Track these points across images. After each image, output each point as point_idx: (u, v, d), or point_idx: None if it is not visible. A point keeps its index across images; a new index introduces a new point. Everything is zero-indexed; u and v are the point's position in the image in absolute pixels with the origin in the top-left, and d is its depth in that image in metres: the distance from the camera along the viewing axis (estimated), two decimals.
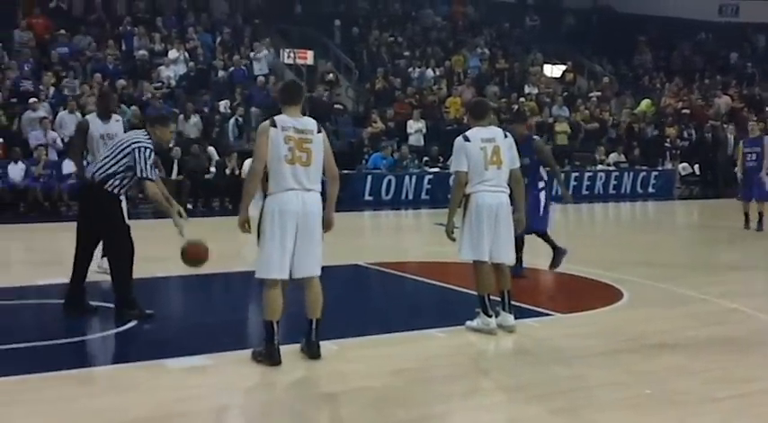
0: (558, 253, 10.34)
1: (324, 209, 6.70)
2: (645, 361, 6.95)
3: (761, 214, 15.91)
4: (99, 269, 10.36)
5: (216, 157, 20.15)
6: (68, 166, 17.00)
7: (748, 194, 16.13)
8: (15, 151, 17.88)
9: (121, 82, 21.40)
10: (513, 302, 7.86)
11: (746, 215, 16.18)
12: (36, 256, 13.01)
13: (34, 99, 19.49)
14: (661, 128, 28.04)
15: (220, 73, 24.06)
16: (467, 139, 7.69)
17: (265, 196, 6.60)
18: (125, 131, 10.53)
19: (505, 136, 7.90)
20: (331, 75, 26.06)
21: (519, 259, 10.11)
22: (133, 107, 20.61)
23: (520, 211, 7.89)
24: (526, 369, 6.76)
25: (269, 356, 6.49)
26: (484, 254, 7.63)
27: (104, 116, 10.23)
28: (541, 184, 10.32)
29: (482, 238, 7.59)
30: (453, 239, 7.80)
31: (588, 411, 5.73)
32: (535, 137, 10.83)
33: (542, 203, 10.28)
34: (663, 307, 9.16)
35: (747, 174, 16.13)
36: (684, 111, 29.40)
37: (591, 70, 31.96)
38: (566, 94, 28.82)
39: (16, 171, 17.58)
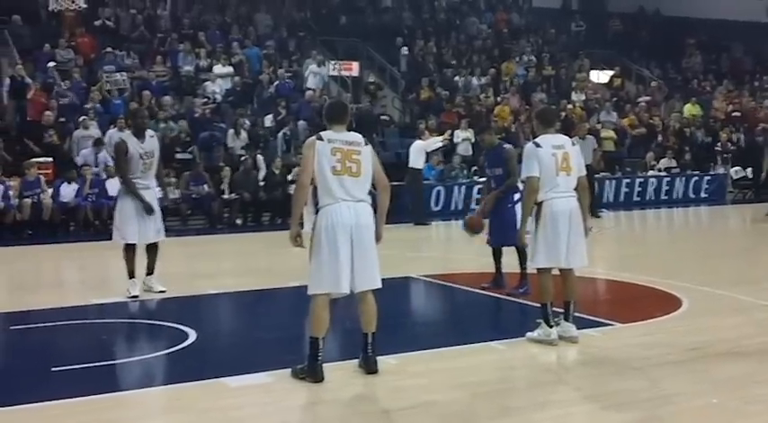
0: (522, 276, 9.94)
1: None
2: (713, 370, 6.77)
3: None
4: (145, 287, 10.40)
5: (263, 165, 20.10)
6: (113, 187, 17.02)
7: None
8: (72, 172, 17.98)
9: (167, 99, 21.52)
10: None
11: None
12: (87, 275, 13.06)
13: (84, 117, 19.65)
14: (712, 132, 27.59)
15: (266, 87, 24.11)
16: (538, 146, 7.59)
17: (317, 211, 6.53)
18: (159, 147, 10.51)
19: (573, 143, 7.83)
20: (374, 86, 26.03)
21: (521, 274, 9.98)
22: (181, 122, 20.73)
23: (585, 220, 7.74)
24: (593, 380, 6.61)
25: (312, 373, 6.40)
26: (559, 261, 7.55)
27: (139, 134, 10.21)
28: (516, 196, 9.71)
29: (559, 244, 7.50)
30: (526, 245, 7.69)
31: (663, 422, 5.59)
32: (506, 146, 10.34)
33: (518, 217, 9.69)
34: (724, 315, 8.93)
35: None
36: (735, 114, 28.95)
37: (639, 75, 31.57)
38: (614, 99, 28.50)
39: (69, 191, 17.67)
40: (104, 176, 18.33)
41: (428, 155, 20.68)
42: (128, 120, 19.46)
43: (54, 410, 5.92)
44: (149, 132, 10.39)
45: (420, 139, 19.91)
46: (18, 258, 14.79)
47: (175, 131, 20.20)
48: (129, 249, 10.22)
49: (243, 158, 20.04)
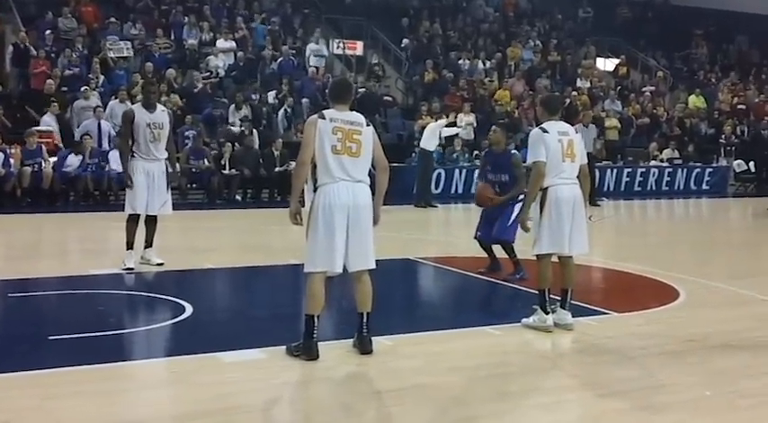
0: (515, 263, 9.98)
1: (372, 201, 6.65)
2: (707, 362, 6.77)
3: None
4: (142, 260, 10.39)
5: (256, 142, 20.07)
6: (115, 159, 16.89)
7: None
8: (77, 144, 17.95)
9: (171, 71, 21.45)
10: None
11: None
12: (87, 245, 13.05)
13: (86, 87, 19.59)
14: (716, 124, 27.53)
15: (269, 63, 24.01)
16: (545, 131, 7.58)
17: (315, 189, 6.52)
18: (170, 122, 10.50)
19: (576, 131, 7.85)
20: (378, 67, 25.93)
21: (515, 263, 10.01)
22: (175, 97, 20.59)
23: (585, 208, 7.77)
24: (587, 368, 6.63)
25: (307, 351, 6.41)
26: (563, 247, 7.55)
27: (149, 106, 10.19)
28: (521, 197, 9.58)
29: (563, 231, 7.51)
30: (528, 230, 7.69)
31: (648, 413, 5.57)
32: (514, 151, 10.28)
33: (514, 215, 9.73)
34: (722, 307, 8.94)
35: None
36: (740, 107, 28.88)
37: (645, 64, 31.50)
38: (619, 88, 28.43)
39: (75, 161, 17.62)
40: (108, 148, 18.28)
41: (445, 139, 20.74)
42: (129, 91, 19.58)
43: (49, 379, 5.92)
44: (160, 107, 10.40)
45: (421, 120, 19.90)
46: (17, 226, 14.76)
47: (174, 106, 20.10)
48: (132, 220, 10.20)
49: (241, 131, 19.97)
